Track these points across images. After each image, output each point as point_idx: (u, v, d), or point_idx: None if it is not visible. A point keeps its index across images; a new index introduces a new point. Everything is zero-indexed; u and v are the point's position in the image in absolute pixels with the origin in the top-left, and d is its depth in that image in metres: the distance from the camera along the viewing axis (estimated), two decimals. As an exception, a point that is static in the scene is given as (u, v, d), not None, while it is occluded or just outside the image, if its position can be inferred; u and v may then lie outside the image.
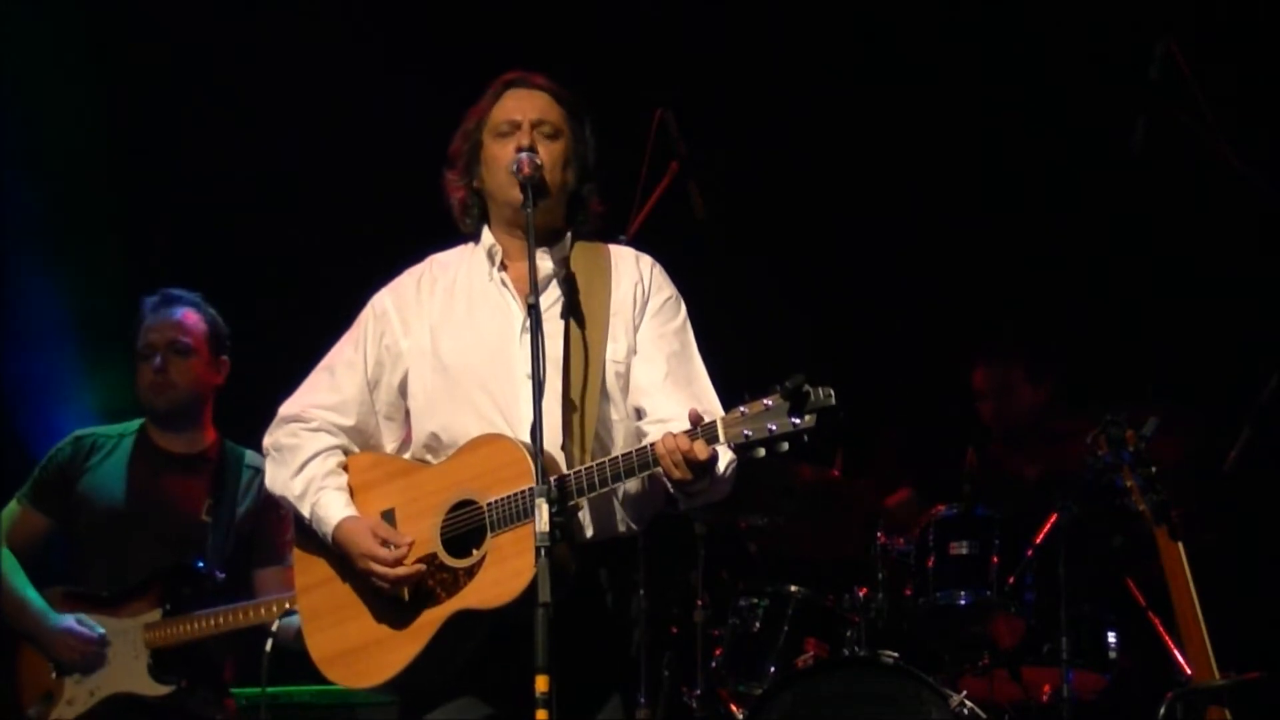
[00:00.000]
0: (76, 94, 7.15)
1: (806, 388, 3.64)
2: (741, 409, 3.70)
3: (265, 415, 4.23)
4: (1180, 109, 5.15)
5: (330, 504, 4.03)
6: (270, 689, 5.43)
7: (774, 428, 3.65)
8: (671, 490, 3.87)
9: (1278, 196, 5.20)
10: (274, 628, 5.32)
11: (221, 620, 5.43)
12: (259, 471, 5.58)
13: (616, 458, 3.80)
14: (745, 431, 3.68)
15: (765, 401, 3.67)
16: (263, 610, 5.42)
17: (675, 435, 3.74)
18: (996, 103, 7.16)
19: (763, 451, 3.68)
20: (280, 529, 5.55)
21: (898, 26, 7.22)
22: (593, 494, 3.81)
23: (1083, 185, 7.01)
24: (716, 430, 3.71)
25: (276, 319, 6.95)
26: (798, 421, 3.64)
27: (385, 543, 3.93)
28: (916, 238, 7.24)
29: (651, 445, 3.77)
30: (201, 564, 5.50)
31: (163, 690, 5.40)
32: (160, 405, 5.67)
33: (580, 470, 3.82)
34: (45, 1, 7.10)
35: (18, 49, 6.94)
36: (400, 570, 3.91)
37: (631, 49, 7.11)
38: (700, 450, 3.71)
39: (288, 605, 5.33)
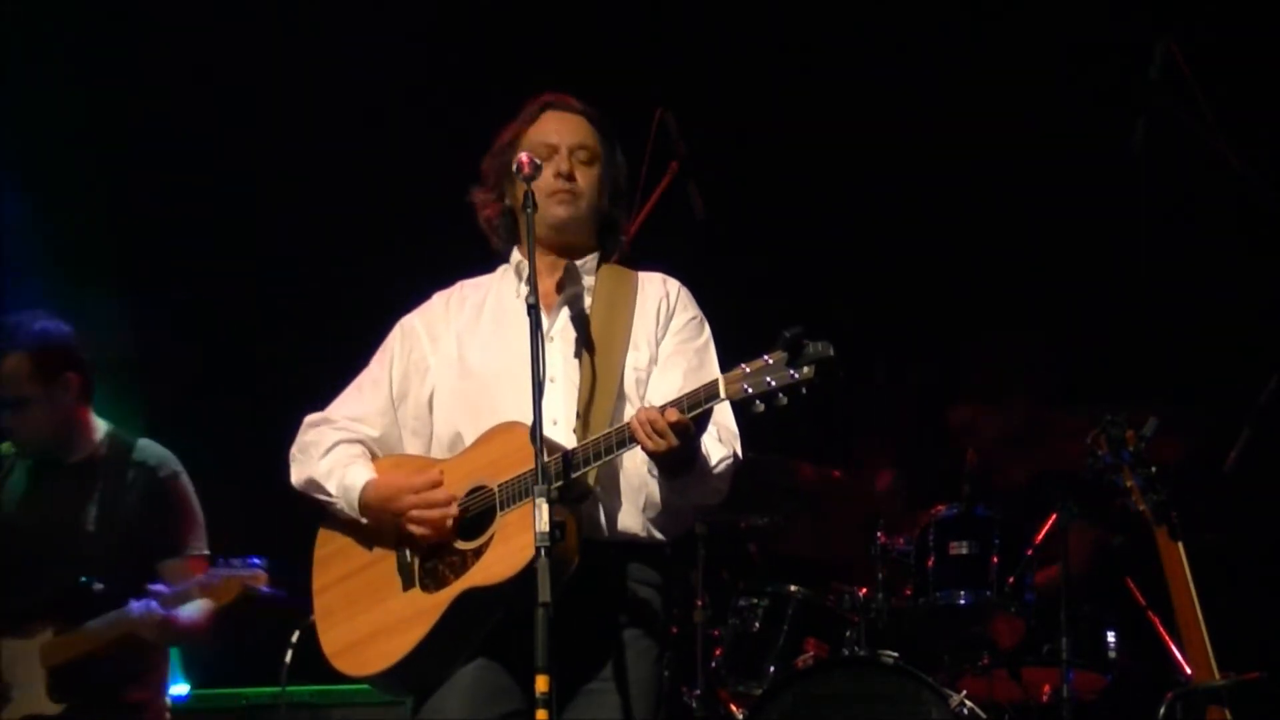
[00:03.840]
0: (76, 101, 7.17)
1: (804, 340, 3.66)
2: (743, 366, 3.73)
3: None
4: (1180, 109, 5.15)
5: (355, 473, 4.07)
6: (290, 688, 5.46)
7: (772, 381, 3.67)
8: (657, 475, 3.91)
9: (1278, 196, 5.20)
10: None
11: (99, 632, 5.35)
12: (143, 467, 5.53)
13: (609, 431, 3.83)
14: (745, 387, 3.69)
15: (765, 358, 3.70)
16: (115, 624, 5.35)
17: (646, 407, 3.79)
18: (996, 102, 7.16)
19: (762, 406, 3.69)
20: (176, 518, 5.51)
21: (898, 25, 7.22)
22: (585, 469, 3.83)
23: (1083, 185, 7.01)
24: (718, 388, 3.74)
25: (298, 341, 6.99)
26: (795, 373, 3.65)
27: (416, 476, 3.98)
28: (916, 237, 7.24)
29: (628, 421, 3.81)
30: (85, 579, 5.42)
31: (57, 708, 5.36)
32: (30, 454, 5.55)
33: (587, 444, 3.85)
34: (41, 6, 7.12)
35: (14, 54, 6.96)
36: (439, 494, 3.94)
37: (631, 49, 7.11)
38: (671, 416, 3.72)
39: (119, 621, 5.32)
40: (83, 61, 7.19)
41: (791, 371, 3.65)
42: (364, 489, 4.04)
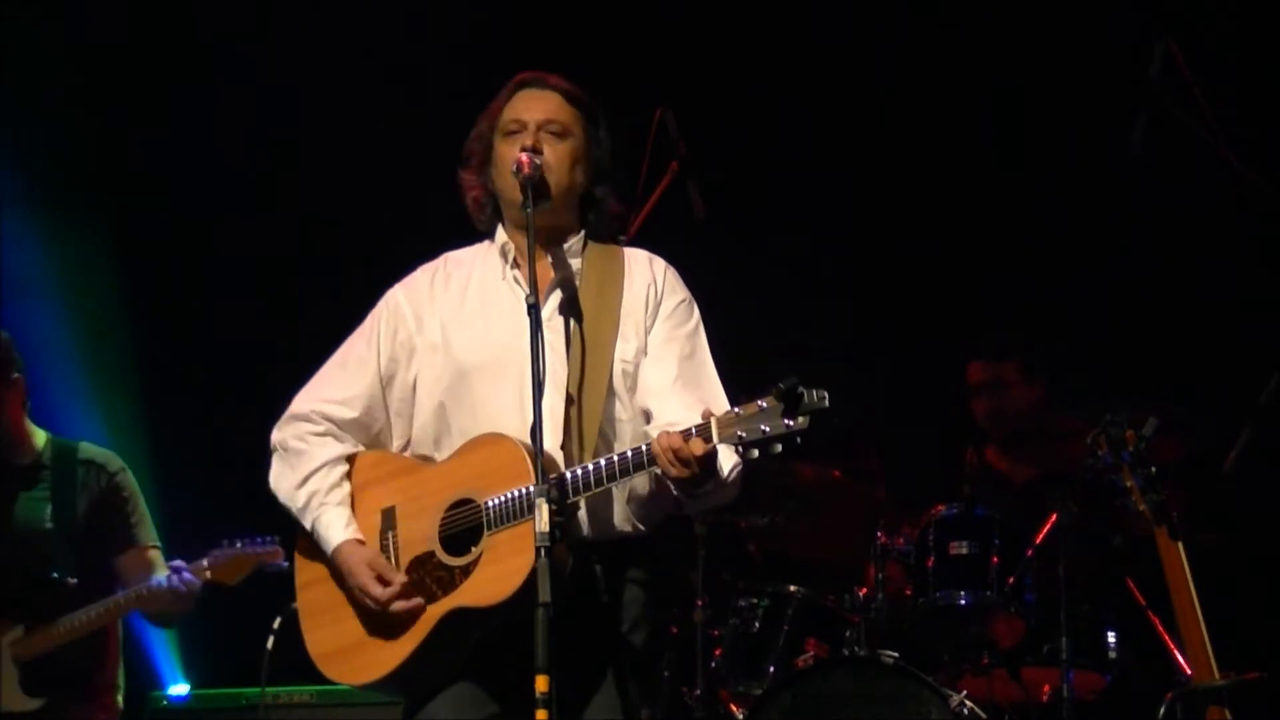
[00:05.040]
0: (77, 101, 7.17)
1: (800, 389, 3.64)
2: (736, 410, 3.71)
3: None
4: (1180, 109, 5.15)
5: (332, 523, 4.05)
6: (281, 688, 5.45)
7: (767, 429, 3.66)
8: (675, 492, 3.87)
9: (1277, 196, 5.20)
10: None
11: (81, 622, 5.43)
12: (92, 464, 5.63)
13: (613, 457, 3.81)
14: (739, 432, 3.68)
15: (760, 403, 3.68)
16: (120, 604, 5.44)
17: (670, 434, 3.74)
18: (996, 102, 7.16)
19: (756, 453, 3.70)
20: (128, 513, 5.60)
21: (898, 26, 7.22)
22: (588, 493, 3.82)
23: (1083, 185, 7.01)
24: (711, 430, 3.72)
25: (289, 317, 6.98)
26: (790, 423, 3.65)
27: (380, 578, 3.96)
28: (916, 236, 7.24)
29: (648, 444, 3.78)
30: (56, 574, 5.48)
31: (35, 703, 5.41)
32: None
33: (577, 470, 3.82)
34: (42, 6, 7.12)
35: (16, 58, 6.97)
36: (399, 606, 3.93)
37: (631, 49, 7.11)
38: (696, 447, 3.71)
39: (145, 595, 5.42)
40: (82, 55, 7.20)
41: (787, 421, 3.65)
42: (335, 552, 4.03)
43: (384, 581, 3.95)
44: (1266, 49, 6.65)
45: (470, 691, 3.94)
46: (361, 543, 4.04)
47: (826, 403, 3.65)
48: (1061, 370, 6.67)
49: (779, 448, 3.68)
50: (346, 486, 4.10)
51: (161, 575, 5.44)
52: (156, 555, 5.60)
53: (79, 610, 5.44)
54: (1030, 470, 6.47)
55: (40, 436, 5.68)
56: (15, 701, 5.40)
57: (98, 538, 5.58)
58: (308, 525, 4.08)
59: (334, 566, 4.06)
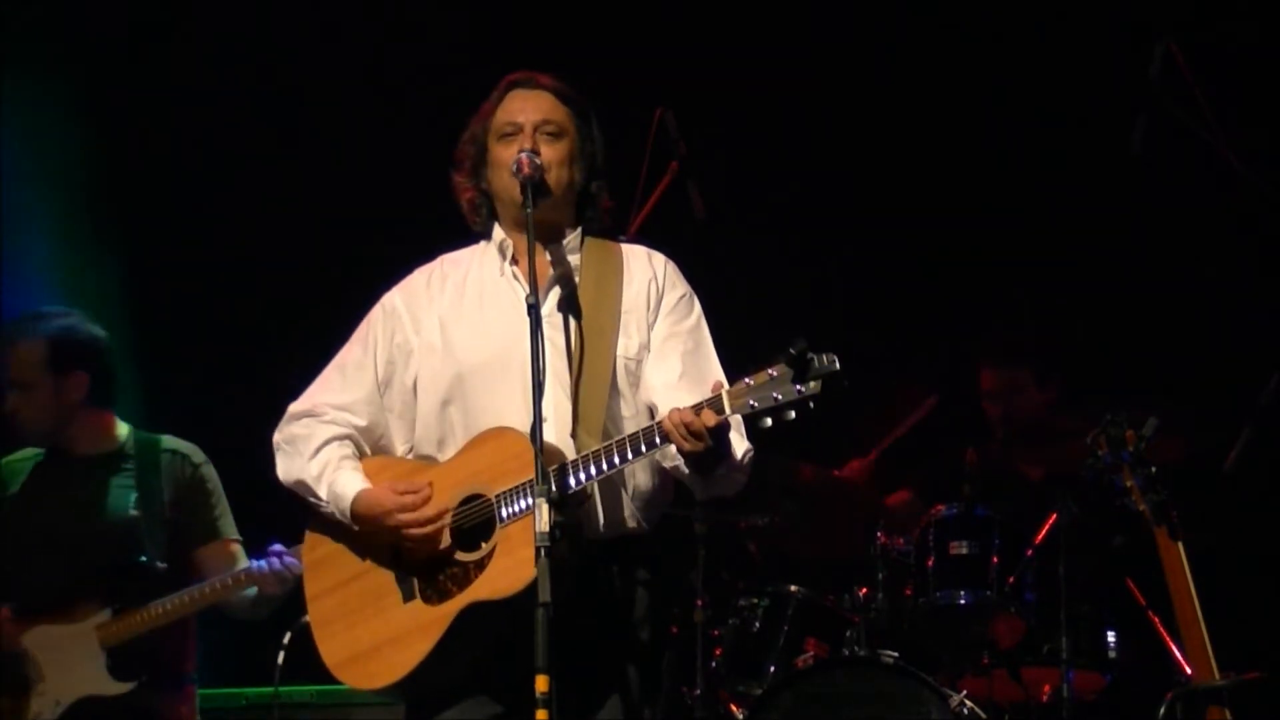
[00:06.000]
0: (78, 101, 7.17)
1: (810, 354, 3.64)
2: (746, 379, 3.71)
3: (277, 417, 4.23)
4: (1180, 109, 5.15)
5: (346, 480, 4.04)
6: (282, 688, 5.45)
7: (779, 396, 3.65)
8: (688, 476, 3.89)
9: (1278, 196, 5.20)
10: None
11: (173, 606, 5.40)
12: (176, 454, 5.60)
13: (624, 438, 3.80)
14: (751, 402, 3.68)
15: (770, 371, 3.68)
16: (216, 589, 5.41)
17: (681, 409, 3.75)
18: (997, 102, 7.16)
19: (769, 421, 3.69)
20: (212, 504, 5.59)
21: (897, 25, 7.22)
22: (600, 476, 3.81)
23: (1083, 185, 7.01)
24: (722, 403, 3.72)
25: (287, 319, 6.98)
26: (802, 389, 3.64)
27: (405, 492, 3.94)
28: (916, 238, 7.23)
29: (659, 421, 3.78)
30: (144, 558, 5.46)
31: (124, 687, 5.37)
32: (28, 441, 5.61)
33: (588, 454, 3.81)
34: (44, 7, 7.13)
35: (16, 58, 6.97)
36: (430, 510, 3.91)
37: (631, 49, 7.11)
38: (708, 419, 3.70)
39: (242, 579, 5.38)
40: (82, 55, 7.20)
41: (798, 387, 3.64)
42: (355, 500, 4.01)
43: (410, 492, 3.93)
44: (1266, 49, 6.64)
45: (472, 695, 3.93)
46: None
47: (837, 365, 3.65)
48: (1069, 372, 6.66)
49: (792, 414, 3.66)
50: (359, 460, 4.09)
51: (257, 561, 5.42)
52: (238, 549, 5.56)
53: (168, 595, 5.42)
54: (1039, 469, 6.47)
55: (123, 428, 5.65)
56: (104, 686, 5.37)
57: (179, 528, 5.55)
58: (323, 493, 4.05)
59: (347, 552, 4.04)
